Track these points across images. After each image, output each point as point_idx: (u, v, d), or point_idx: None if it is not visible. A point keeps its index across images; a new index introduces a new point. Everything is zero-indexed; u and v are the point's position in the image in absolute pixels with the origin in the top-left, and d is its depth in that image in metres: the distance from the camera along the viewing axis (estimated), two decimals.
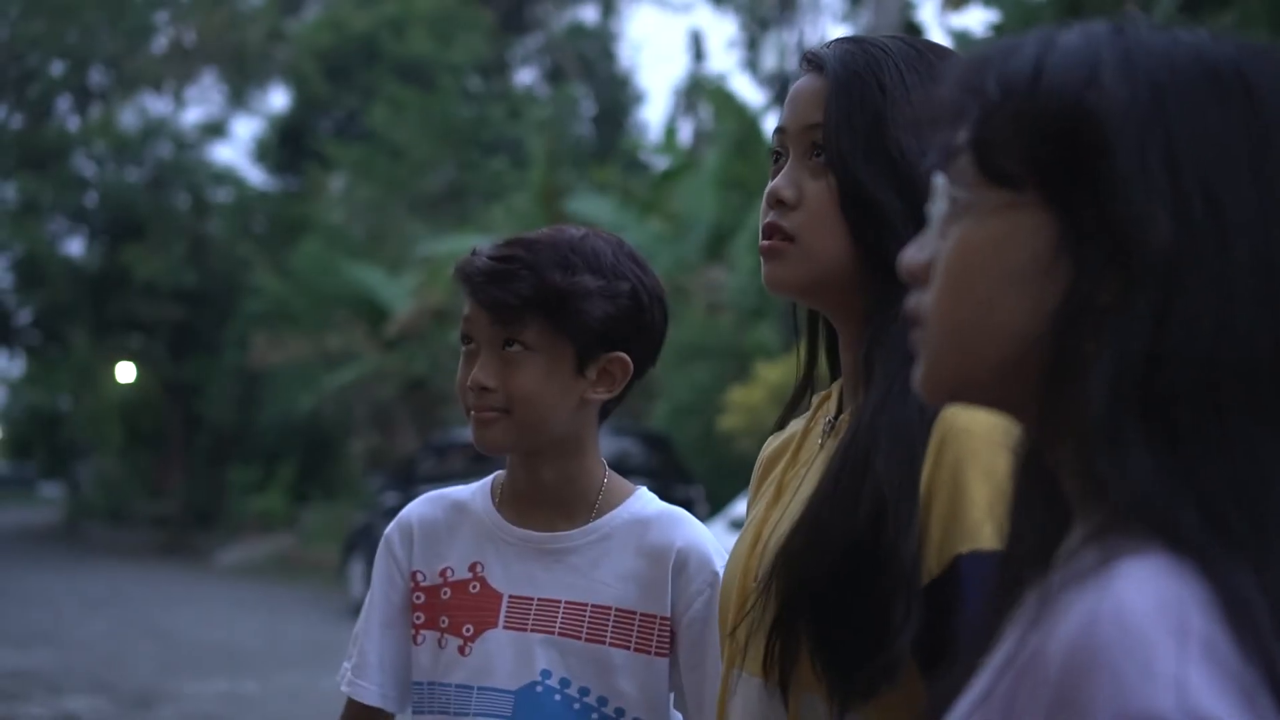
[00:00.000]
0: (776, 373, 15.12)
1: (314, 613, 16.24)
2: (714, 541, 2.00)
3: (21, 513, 42.98)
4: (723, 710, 1.64)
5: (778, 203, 1.58)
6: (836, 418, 1.63)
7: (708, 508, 13.96)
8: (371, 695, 2.06)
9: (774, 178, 1.61)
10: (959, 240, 1.00)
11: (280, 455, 27.28)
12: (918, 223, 1.43)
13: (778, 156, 1.62)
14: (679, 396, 16.80)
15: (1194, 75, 0.97)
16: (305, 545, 23.05)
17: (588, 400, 1.98)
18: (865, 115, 1.54)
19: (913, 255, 1.03)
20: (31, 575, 20.80)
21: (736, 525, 10.30)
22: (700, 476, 15.08)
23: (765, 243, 1.58)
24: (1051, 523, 1.03)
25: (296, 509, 25.25)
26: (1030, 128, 0.98)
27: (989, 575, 1.32)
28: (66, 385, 36.17)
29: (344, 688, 2.08)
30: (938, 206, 1.02)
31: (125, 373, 31.41)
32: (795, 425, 1.75)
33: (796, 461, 1.68)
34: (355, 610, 13.31)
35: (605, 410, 2.04)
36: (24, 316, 33.05)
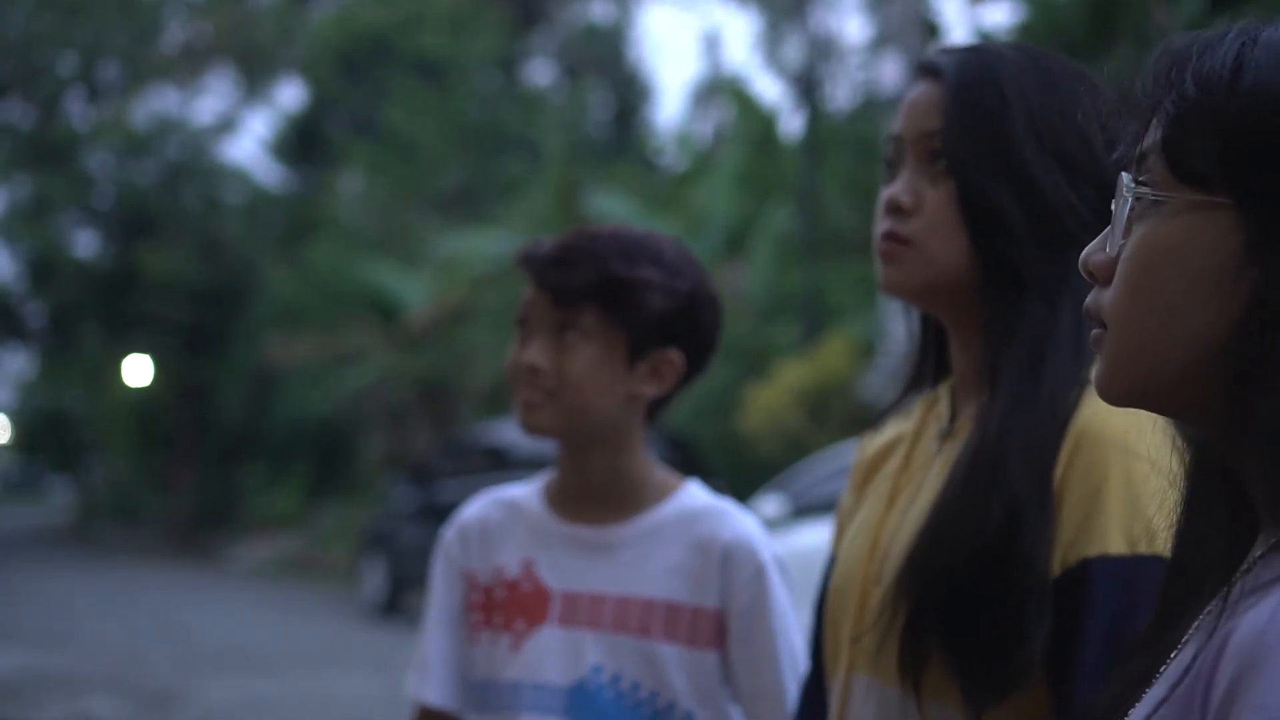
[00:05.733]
0: (796, 372, 15.06)
1: (328, 613, 16.21)
2: (762, 534, 2.02)
3: (33, 512, 43.08)
4: (841, 716, 1.64)
5: (895, 209, 1.59)
6: (951, 422, 1.63)
7: None
8: (434, 696, 2.07)
9: (887, 186, 1.62)
10: (1145, 240, 0.97)
11: (293, 455, 27.28)
12: (1038, 229, 1.52)
13: (890, 165, 1.63)
14: (698, 395, 16.75)
15: None
16: (319, 545, 23.02)
17: (637, 395, 2.01)
18: (985, 122, 1.55)
19: (1094, 252, 1.01)
20: (44, 575, 20.81)
21: (762, 524, 10.21)
22: (719, 475, 15.03)
23: (883, 246, 1.59)
24: (1234, 528, 1.00)
25: (310, 509, 25.23)
26: (1228, 128, 0.94)
27: (1138, 578, 1.39)
28: (78, 384, 36.20)
29: (409, 690, 2.10)
30: (1121, 203, 0.99)
31: (137, 372, 31.38)
32: (899, 428, 1.75)
33: (910, 466, 1.67)
34: (369, 611, 13.40)
35: (653, 409, 2.06)
36: (35, 315, 33.07)
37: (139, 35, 29.93)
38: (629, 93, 33.67)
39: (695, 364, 2.03)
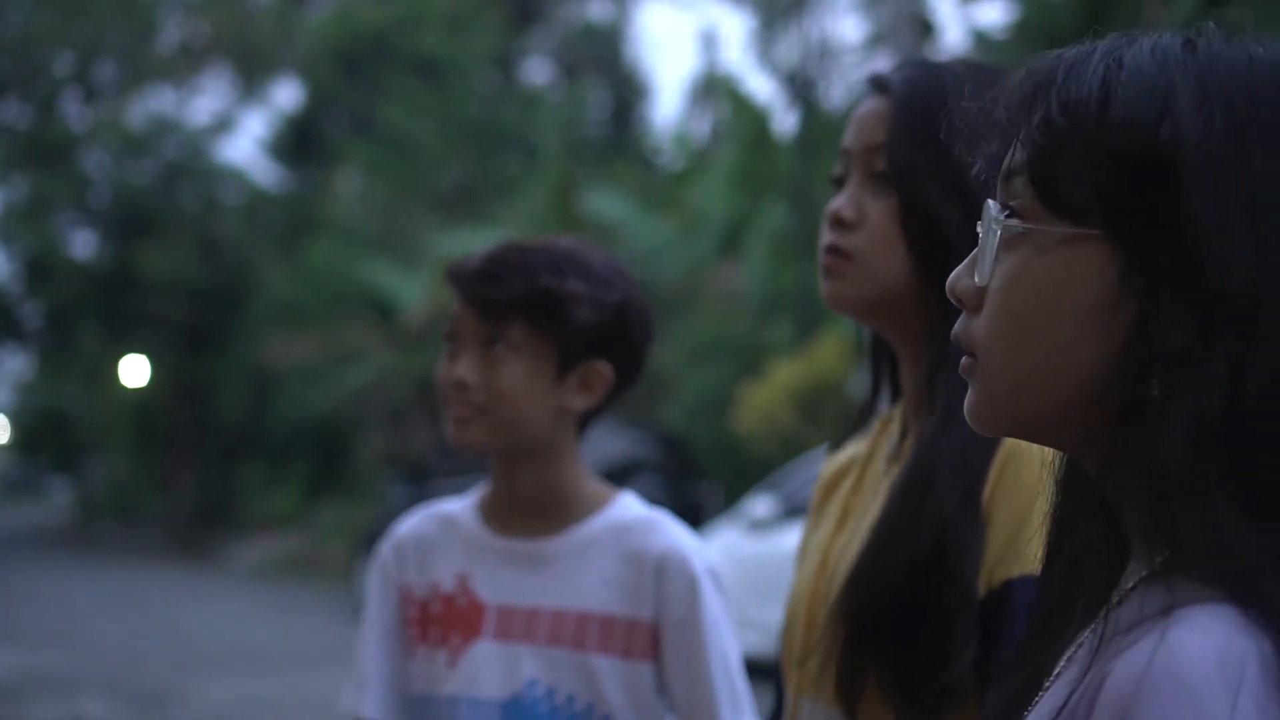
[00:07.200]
0: (790, 371, 15.04)
1: (327, 613, 16.20)
2: (696, 545, 2.02)
3: (33, 512, 43.02)
4: None
5: (838, 222, 1.58)
6: (901, 441, 1.63)
7: (723, 503, 13.92)
8: (370, 711, 2.07)
9: (834, 199, 1.61)
10: (1017, 273, 0.94)
11: (292, 454, 27.24)
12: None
13: (840, 179, 1.62)
14: (694, 394, 16.73)
15: (1272, 102, 0.91)
16: (318, 545, 23.01)
17: (566, 407, 2.01)
18: (931, 137, 1.51)
19: (963, 279, 0.98)
20: (43, 575, 20.78)
21: (753, 525, 10.21)
22: (715, 474, 15.02)
23: (825, 259, 1.59)
24: (1106, 549, 0.99)
25: (309, 508, 25.22)
26: (1099, 161, 0.92)
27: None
28: (77, 384, 36.17)
29: (345, 706, 2.10)
30: (988, 232, 0.97)
31: (134, 373, 31.36)
32: (856, 448, 1.75)
33: (862, 486, 1.67)
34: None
35: (585, 421, 2.06)
36: (33, 315, 33.03)
37: (136, 35, 29.87)
38: (627, 91, 33.60)
39: (625, 375, 2.03)
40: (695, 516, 13.40)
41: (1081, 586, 1.00)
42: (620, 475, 12.82)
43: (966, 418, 0.99)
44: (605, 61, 33.21)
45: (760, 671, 2.97)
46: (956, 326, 0.99)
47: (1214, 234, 0.89)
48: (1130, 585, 0.94)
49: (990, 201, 0.98)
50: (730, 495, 14.12)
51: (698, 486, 14.57)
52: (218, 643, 13.31)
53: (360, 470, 25.20)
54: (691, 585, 1.96)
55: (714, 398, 16.28)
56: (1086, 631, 0.95)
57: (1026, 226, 0.95)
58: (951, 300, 1.00)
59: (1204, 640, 0.84)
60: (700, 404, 16.60)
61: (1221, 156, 0.90)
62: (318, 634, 14.14)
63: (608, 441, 14.06)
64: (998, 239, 0.96)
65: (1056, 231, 0.94)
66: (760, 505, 10.59)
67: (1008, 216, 0.96)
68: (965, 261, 1.00)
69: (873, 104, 1.61)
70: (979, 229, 0.99)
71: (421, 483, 15.78)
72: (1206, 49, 0.94)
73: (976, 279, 0.98)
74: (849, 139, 1.62)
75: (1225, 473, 0.88)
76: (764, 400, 14.95)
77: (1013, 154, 0.97)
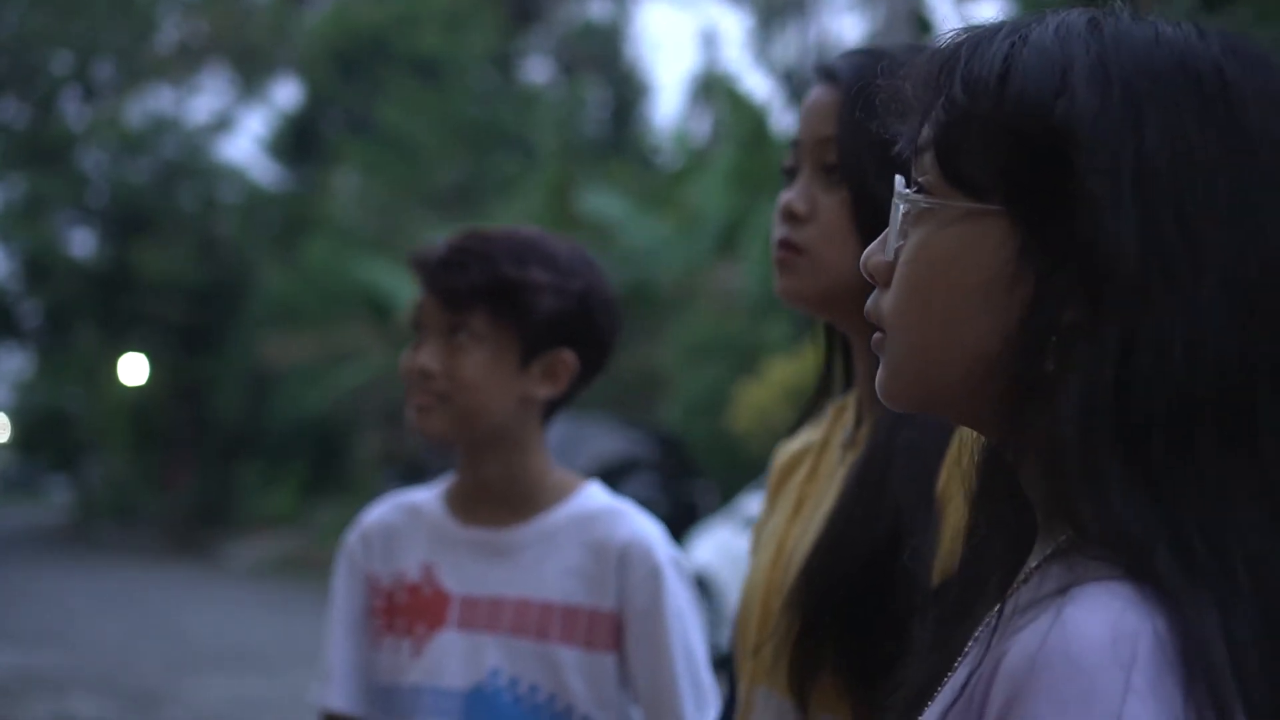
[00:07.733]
0: (786, 370, 15.04)
1: (324, 612, 16.18)
2: (659, 535, 2.01)
3: (31, 512, 43.01)
4: None
5: (790, 216, 1.57)
6: (856, 429, 1.62)
7: (719, 501, 13.91)
8: (336, 701, 2.07)
9: (786, 192, 1.60)
10: (920, 248, 0.95)
11: (290, 453, 27.25)
12: None
13: (791, 170, 1.61)
14: (690, 393, 16.73)
15: (1173, 82, 0.91)
16: (315, 544, 23.00)
17: (530, 396, 2.00)
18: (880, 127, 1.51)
19: (874, 254, 0.99)
20: (42, 574, 20.77)
21: (748, 523, 10.23)
22: (711, 473, 15.01)
23: (778, 254, 1.58)
24: (1018, 528, 0.99)
25: (307, 508, 25.21)
26: (997, 136, 0.92)
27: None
28: (75, 383, 36.17)
29: (311, 696, 2.10)
30: (898, 205, 0.98)
31: (133, 371, 31.36)
32: (810, 435, 1.74)
33: (817, 474, 1.67)
34: None
35: (550, 410, 2.05)
36: (31, 314, 33.03)
37: (134, 34, 29.88)
38: (626, 91, 33.60)
39: (591, 364, 2.02)
40: (691, 515, 13.41)
41: (994, 565, 1.01)
42: (617, 474, 12.83)
43: (878, 394, 0.99)
44: (604, 61, 33.20)
45: None
46: (868, 302, 1.00)
47: (1105, 210, 0.89)
48: (1035, 564, 0.94)
49: (898, 177, 0.99)
50: (726, 494, 14.12)
51: (694, 485, 14.58)
52: (215, 642, 13.31)
53: (357, 469, 25.20)
54: (654, 575, 1.95)
55: (711, 397, 16.27)
56: (992, 613, 0.95)
57: (930, 201, 0.96)
58: (864, 276, 1.00)
59: (1097, 618, 0.84)
60: (697, 403, 16.59)
61: (1117, 134, 0.90)
62: (315, 633, 14.06)
63: (604, 440, 14.07)
64: (903, 214, 0.97)
65: (958, 206, 0.94)
66: (755, 503, 10.57)
67: (916, 192, 0.97)
68: (879, 238, 1.00)
69: (821, 94, 1.60)
70: (893, 205, 0.99)
71: (417, 481, 15.78)
72: (1112, 27, 0.94)
73: (886, 254, 0.99)
74: (799, 131, 1.61)
75: (1118, 449, 0.88)
76: (760, 399, 14.94)
77: (922, 131, 0.98)
